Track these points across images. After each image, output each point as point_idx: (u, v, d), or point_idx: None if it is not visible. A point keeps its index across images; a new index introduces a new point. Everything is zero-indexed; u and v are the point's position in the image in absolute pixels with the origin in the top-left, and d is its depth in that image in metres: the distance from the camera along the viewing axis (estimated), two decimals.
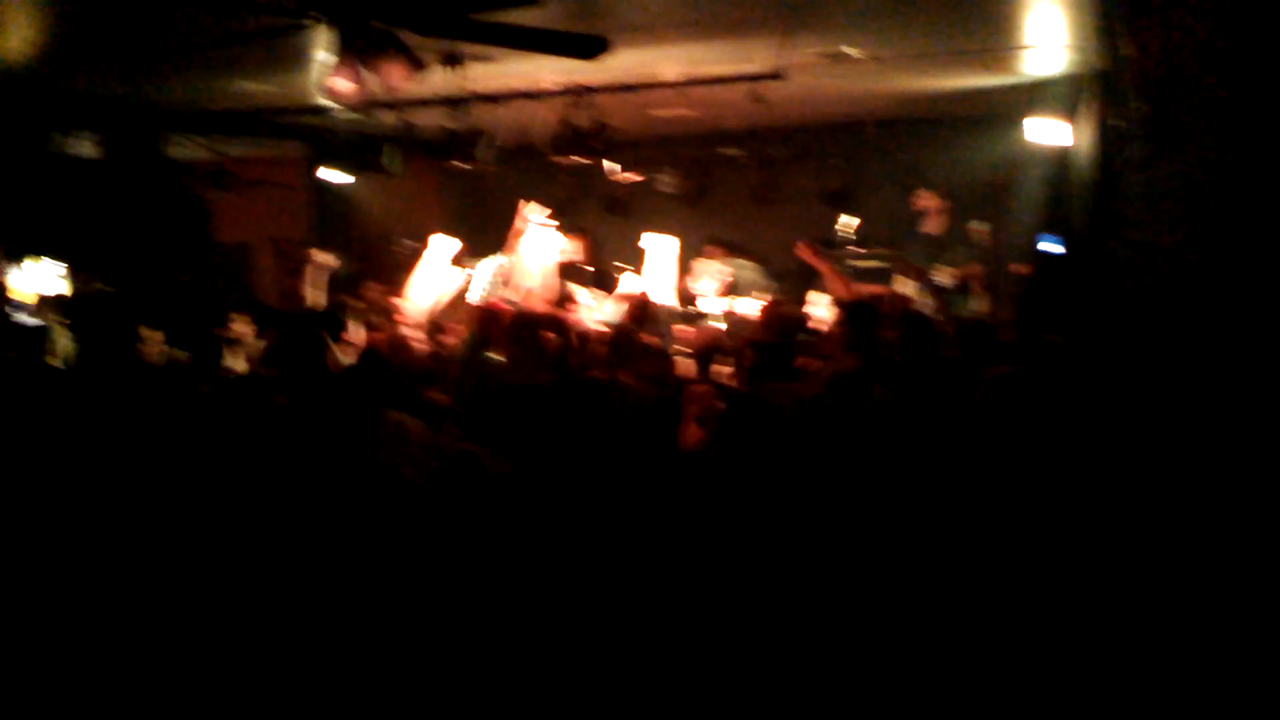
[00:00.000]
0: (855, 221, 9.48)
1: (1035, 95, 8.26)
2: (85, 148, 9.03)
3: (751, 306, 8.23)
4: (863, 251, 9.78)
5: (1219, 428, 4.03)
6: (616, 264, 9.88)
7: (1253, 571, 3.08)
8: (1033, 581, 3.12)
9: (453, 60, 6.95)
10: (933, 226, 9.39)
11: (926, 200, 9.36)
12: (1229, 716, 2.77)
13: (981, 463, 3.66)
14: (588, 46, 5.47)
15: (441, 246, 8.44)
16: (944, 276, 8.84)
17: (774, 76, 7.49)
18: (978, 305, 8.35)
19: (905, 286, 8.86)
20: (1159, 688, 2.82)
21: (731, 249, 10.36)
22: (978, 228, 9.28)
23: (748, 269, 9.77)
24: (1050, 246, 8.60)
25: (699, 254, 10.26)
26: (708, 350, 6.41)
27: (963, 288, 8.66)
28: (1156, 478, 3.59)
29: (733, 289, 9.07)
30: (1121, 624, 2.99)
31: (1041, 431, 3.64)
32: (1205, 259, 5.09)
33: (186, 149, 9.75)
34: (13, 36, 6.51)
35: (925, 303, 8.20)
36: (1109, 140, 7.22)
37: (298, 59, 6.78)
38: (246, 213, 11.02)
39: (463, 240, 11.09)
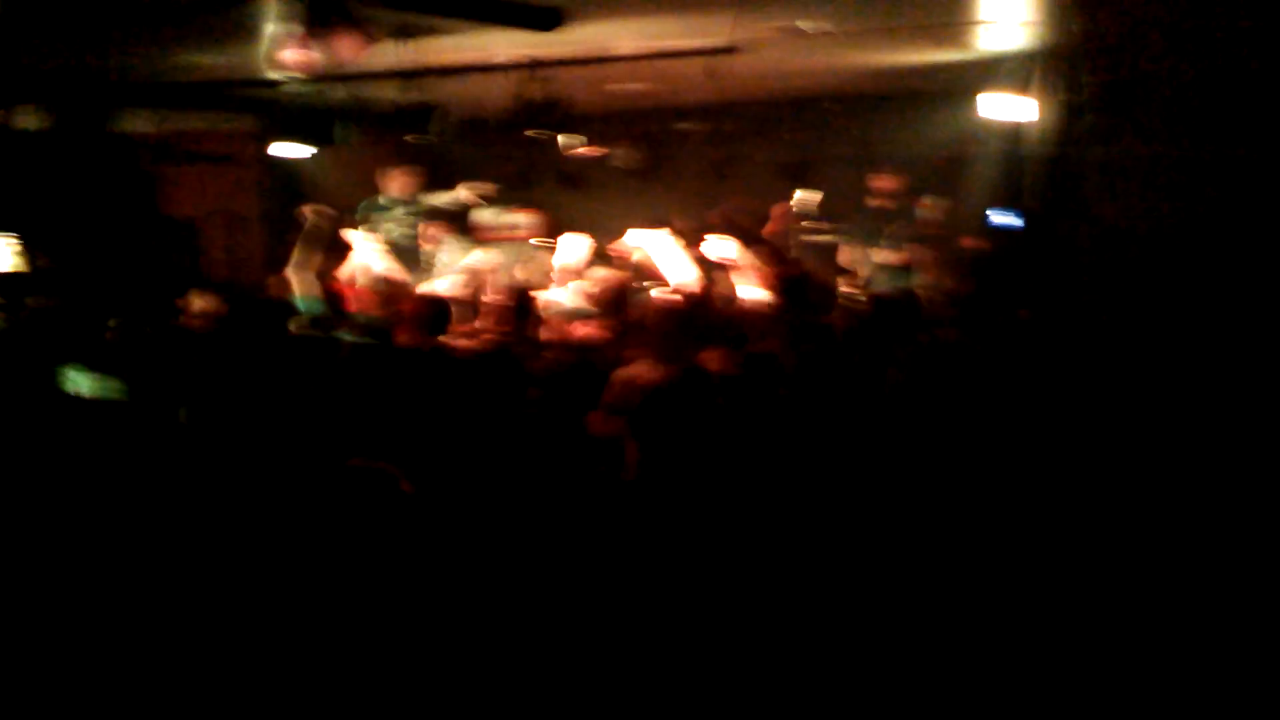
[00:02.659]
0: (816, 196, 9.48)
1: (991, 71, 8.30)
2: (31, 121, 8.85)
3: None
4: (811, 225, 9.79)
5: (1180, 400, 4.08)
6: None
7: (1217, 552, 3.10)
8: (939, 564, 3.10)
9: (405, 33, 6.87)
10: (884, 202, 9.42)
11: (883, 182, 9.40)
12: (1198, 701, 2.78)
13: (898, 436, 3.63)
14: (543, 19, 5.44)
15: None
16: (882, 256, 8.89)
17: (729, 51, 7.48)
18: (921, 280, 8.39)
19: (850, 258, 8.92)
20: (1114, 669, 2.83)
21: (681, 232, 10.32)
22: (928, 203, 9.32)
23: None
24: (1005, 219, 8.66)
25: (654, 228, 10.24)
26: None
27: (906, 265, 8.73)
28: (1114, 449, 3.60)
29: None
30: (1043, 606, 2.98)
31: (967, 401, 3.61)
32: (1159, 230, 5.14)
33: (136, 123, 9.59)
34: None
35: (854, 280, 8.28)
36: (1064, 115, 7.27)
37: (248, 31, 6.65)
38: (197, 187, 10.89)
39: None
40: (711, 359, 4.91)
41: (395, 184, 9.39)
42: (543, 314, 6.75)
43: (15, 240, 8.28)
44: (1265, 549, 3.22)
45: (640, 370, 4.47)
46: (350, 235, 7.94)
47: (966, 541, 3.10)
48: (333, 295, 6.74)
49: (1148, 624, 2.92)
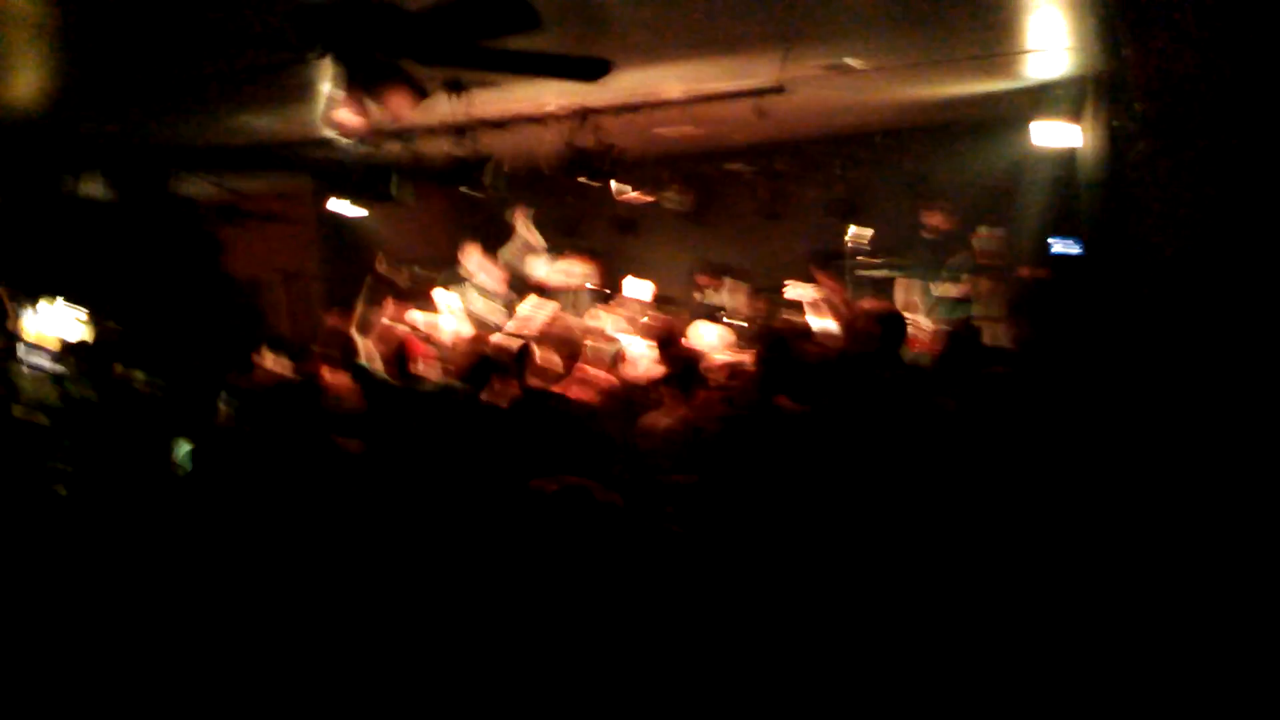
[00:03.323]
0: (869, 232, 9.48)
1: (1040, 99, 8.25)
2: (96, 190, 9.07)
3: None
4: (870, 261, 9.78)
5: (1230, 426, 4.01)
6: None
7: (1259, 579, 3.05)
8: (1008, 588, 3.07)
9: (456, 87, 6.98)
10: (938, 234, 9.38)
11: (934, 217, 9.38)
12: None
13: (962, 465, 3.61)
14: (590, 69, 5.49)
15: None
16: (941, 290, 8.85)
17: (777, 90, 7.51)
18: (980, 311, 8.34)
19: (908, 294, 8.88)
20: (1146, 687, 2.79)
21: (721, 272, 10.39)
22: (984, 233, 9.28)
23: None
24: (1065, 248, 8.58)
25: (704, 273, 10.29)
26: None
27: (966, 297, 8.68)
28: (1166, 477, 3.55)
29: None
30: (1108, 632, 2.94)
31: (1032, 432, 3.58)
32: (1212, 256, 5.07)
33: (196, 186, 9.79)
34: (21, 82, 6.56)
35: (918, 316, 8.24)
36: (1115, 142, 7.20)
37: (303, 93, 6.81)
38: (258, 247, 11.07)
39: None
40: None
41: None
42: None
43: (84, 311, 8.45)
44: None
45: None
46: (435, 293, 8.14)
47: (1018, 568, 3.08)
48: (401, 350, 6.80)
49: (1189, 654, 2.88)
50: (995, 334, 7.98)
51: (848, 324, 6.72)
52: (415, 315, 8.35)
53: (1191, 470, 3.61)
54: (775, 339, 6.09)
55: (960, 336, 6.74)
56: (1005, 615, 3.05)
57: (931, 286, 8.97)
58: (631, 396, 6.05)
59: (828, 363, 5.78)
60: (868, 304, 7.39)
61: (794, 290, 7.84)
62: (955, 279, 8.89)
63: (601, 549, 3.18)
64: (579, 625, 3.06)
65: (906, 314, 8.46)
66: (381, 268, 7.77)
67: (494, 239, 12.13)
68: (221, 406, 5.95)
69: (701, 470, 4.06)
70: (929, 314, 8.55)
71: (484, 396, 5.61)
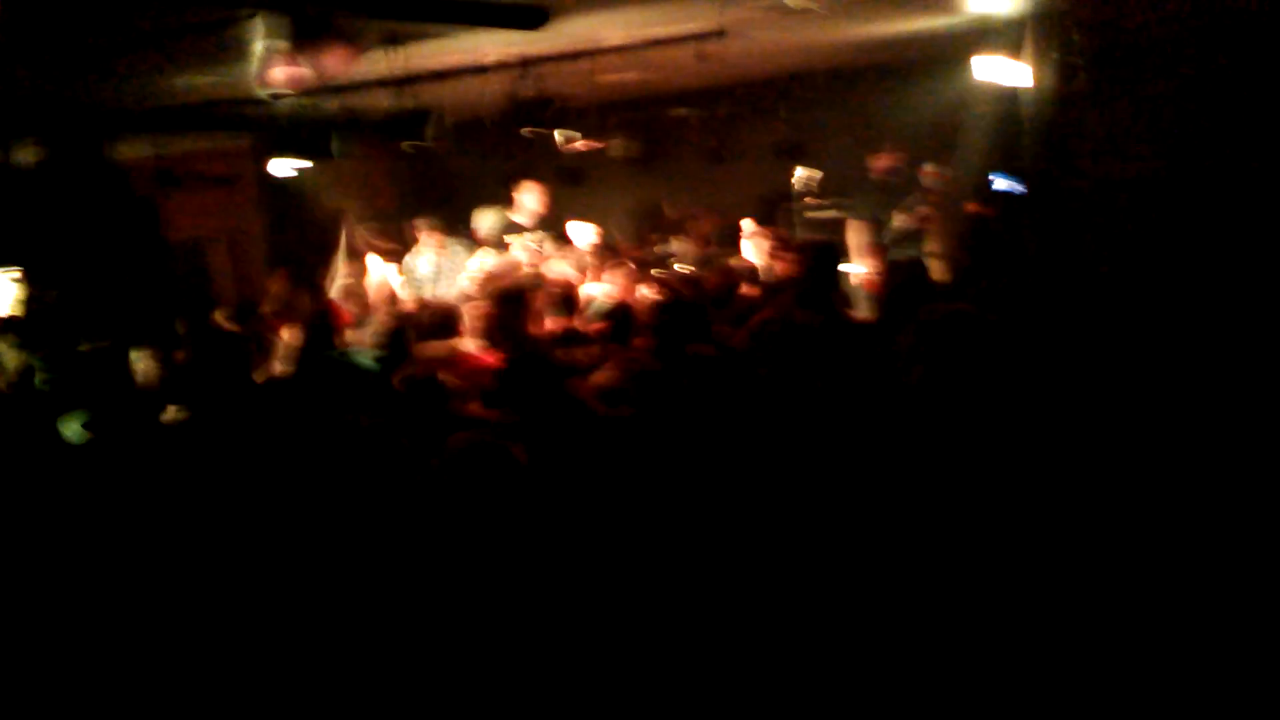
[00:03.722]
0: (817, 174, 9.48)
1: (983, 35, 8.25)
2: (28, 155, 8.87)
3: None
4: (815, 203, 9.78)
5: (1181, 359, 4.06)
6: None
7: (1219, 540, 3.07)
8: (963, 544, 3.06)
9: (393, 40, 6.86)
10: (885, 173, 9.40)
11: (885, 160, 9.39)
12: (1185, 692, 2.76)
13: (913, 409, 3.60)
14: (529, 17, 5.42)
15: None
16: (898, 222, 8.88)
17: (718, 34, 7.45)
18: (931, 248, 8.39)
19: (856, 235, 8.91)
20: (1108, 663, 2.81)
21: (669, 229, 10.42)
22: (930, 170, 9.30)
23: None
24: (1006, 184, 8.63)
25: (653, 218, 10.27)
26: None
27: (915, 232, 8.72)
28: (1114, 411, 3.57)
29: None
30: (1065, 594, 2.95)
31: (979, 371, 3.57)
32: (1154, 184, 5.13)
33: (133, 149, 9.60)
34: None
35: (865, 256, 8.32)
36: (1057, 76, 7.23)
37: (237, 51, 6.66)
38: (197, 209, 10.91)
39: (417, 219, 11.07)
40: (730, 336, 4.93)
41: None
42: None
43: (18, 273, 8.29)
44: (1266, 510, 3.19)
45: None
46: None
47: (980, 518, 3.08)
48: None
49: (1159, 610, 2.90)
50: (942, 270, 8.04)
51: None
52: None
53: (1139, 417, 3.63)
54: (683, 297, 6.08)
55: (905, 270, 6.77)
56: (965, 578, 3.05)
57: (890, 222, 9.01)
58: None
59: (752, 307, 5.78)
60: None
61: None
62: (910, 213, 8.94)
63: (504, 504, 3.18)
64: (479, 584, 3.06)
65: (858, 257, 8.54)
66: (355, 227, 7.70)
67: (437, 193, 12.07)
68: (140, 366, 5.83)
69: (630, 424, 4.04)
70: (879, 251, 8.60)
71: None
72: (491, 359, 5.63)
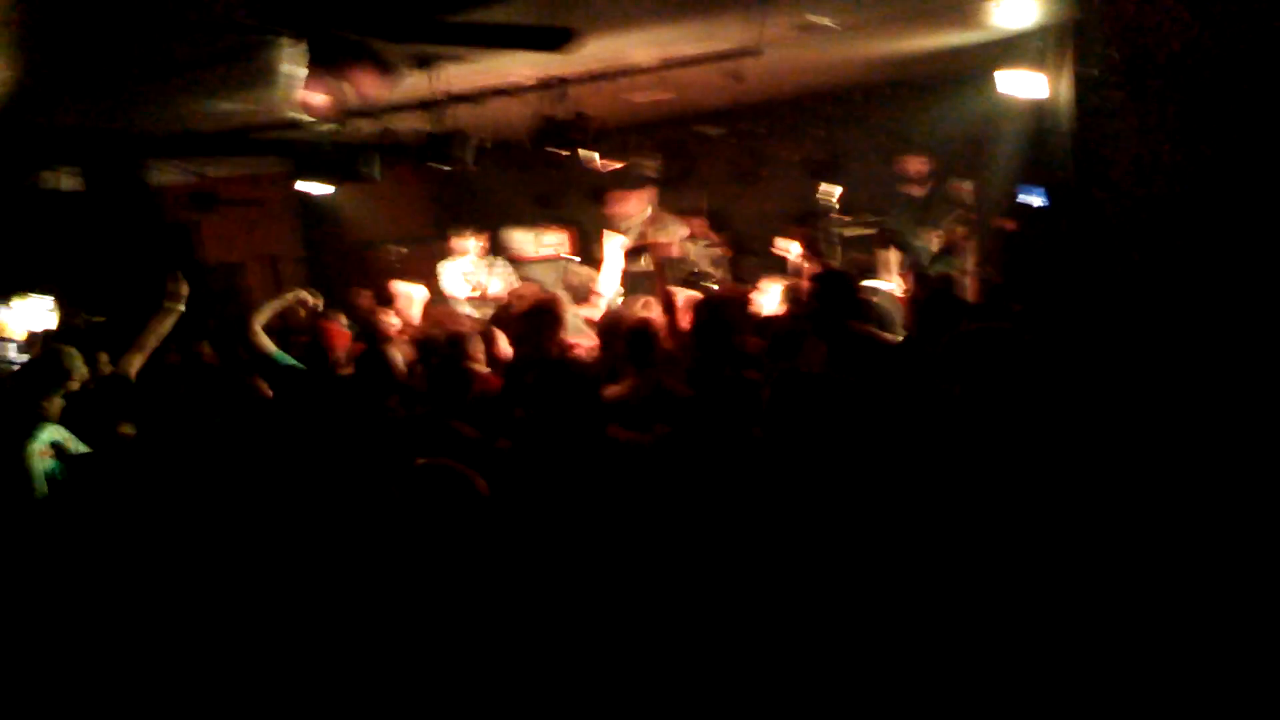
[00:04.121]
0: (837, 189, 9.46)
1: (1011, 49, 8.24)
2: (65, 181, 9.01)
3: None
4: (847, 219, 9.77)
5: (1209, 373, 4.03)
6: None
7: (1249, 551, 3.04)
8: (991, 556, 3.04)
9: (425, 63, 6.93)
10: (916, 189, 9.38)
11: (916, 166, 9.36)
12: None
13: (940, 427, 3.58)
14: (554, 38, 5.45)
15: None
16: (929, 240, 8.85)
17: (749, 53, 7.47)
18: (963, 264, 8.36)
19: (888, 255, 8.89)
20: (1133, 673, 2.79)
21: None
22: (960, 185, 9.28)
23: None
24: (1031, 198, 8.59)
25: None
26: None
27: (948, 249, 8.68)
28: (1148, 432, 3.54)
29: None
30: (1099, 610, 2.92)
31: (1011, 388, 3.54)
32: (1182, 199, 5.09)
33: (169, 173, 9.74)
34: None
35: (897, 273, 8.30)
36: (1086, 89, 7.21)
37: (271, 75, 6.75)
38: (232, 232, 11.04)
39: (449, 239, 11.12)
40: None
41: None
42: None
43: (53, 300, 8.40)
44: None
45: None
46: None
47: (1022, 530, 3.06)
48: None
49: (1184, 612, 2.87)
50: (974, 287, 8.02)
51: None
52: None
53: (1168, 423, 3.61)
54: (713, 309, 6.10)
55: (936, 287, 6.75)
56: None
57: (917, 238, 8.99)
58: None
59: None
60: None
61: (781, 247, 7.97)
62: (941, 230, 8.91)
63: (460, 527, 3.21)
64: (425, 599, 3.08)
65: (888, 274, 8.52)
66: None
67: (470, 214, 12.14)
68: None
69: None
70: (912, 268, 8.57)
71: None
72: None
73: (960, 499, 3.18)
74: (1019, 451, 3.30)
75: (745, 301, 7.02)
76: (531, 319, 6.34)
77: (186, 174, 10.03)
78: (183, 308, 6.40)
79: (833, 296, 5.77)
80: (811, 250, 7.94)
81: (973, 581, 2.99)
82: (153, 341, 6.19)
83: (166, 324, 6.31)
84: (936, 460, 3.37)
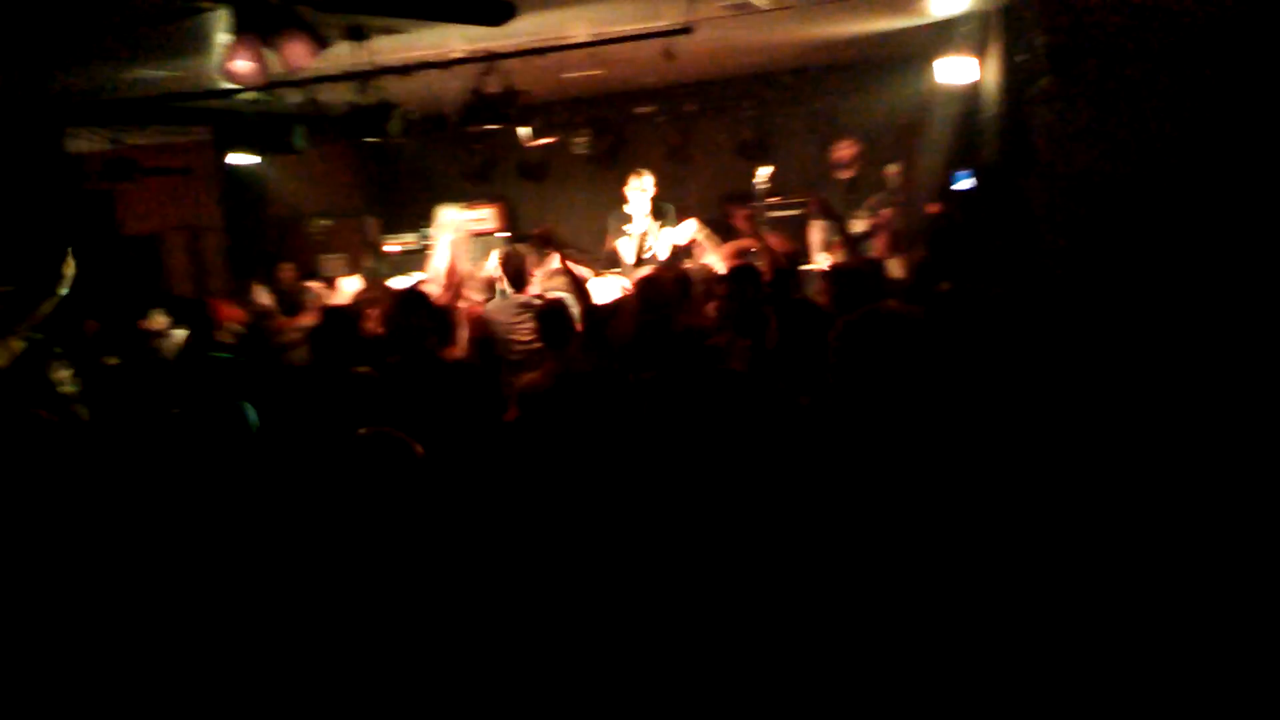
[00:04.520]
0: (767, 170, 9.49)
1: (943, 34, 8.31)
2: None
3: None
4: (777, 201, 9.80)
5: (1137, 353, 4.10)
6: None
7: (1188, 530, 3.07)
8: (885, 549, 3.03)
9: (357, 34, 6.81)
10: (848, 172, 9.43)
11: (843, 150, 9.40)
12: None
13: (841, 413, 3.55)
14: (495, 12, 5.40)
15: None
16: (859, 223, 8.91)
17: (683, 31, 7.45)
18: (877, 249, 8.41)
19: (819, 234, 8.94)
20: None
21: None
22: (892, 170, 9.35)
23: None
24: (963, 183, 8.70)
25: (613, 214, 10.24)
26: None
27: (873, 231, 8.74)
28: (1066, 415, 3.56)
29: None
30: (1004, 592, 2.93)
31: (896, 372, 3.50)
32: (1111, 185, 5.18)
33: (87, 141, 9.48)
34: None
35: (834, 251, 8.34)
36: (1015, 75, 7.30)
37: (198, 42, 6.60)
38: (153, 202, 10.80)
39: (380, 214, 11.00)
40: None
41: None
42: None
43: None
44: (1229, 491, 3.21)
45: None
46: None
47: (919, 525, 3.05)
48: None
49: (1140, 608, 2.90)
50: (902, 269, 8.08)
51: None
52: None
53: (1103, 400, 3.65)
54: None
55: (856, 270, 6.78)
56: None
57: (851, 223, 9.03)
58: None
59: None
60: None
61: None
62: (872, 215, 8.96)
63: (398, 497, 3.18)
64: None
65: (819, 255, 8.56)
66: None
67: (399, 190, 12.01)
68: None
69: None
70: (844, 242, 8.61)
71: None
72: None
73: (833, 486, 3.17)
74: (888, 441, 3.27)
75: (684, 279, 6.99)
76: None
77: (103, 142, 9.77)
78: (65, 291, 6.22)
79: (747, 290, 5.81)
80: (752, 227, 7.94)
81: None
82: (25, 327, 6.00)
83: (46, 307, 6.12)
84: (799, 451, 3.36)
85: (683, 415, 3.47)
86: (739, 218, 7.86)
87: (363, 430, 3.35)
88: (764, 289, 5.96)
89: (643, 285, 6.30)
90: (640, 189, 8.42)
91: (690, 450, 3.33)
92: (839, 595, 2.90)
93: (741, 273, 6.14)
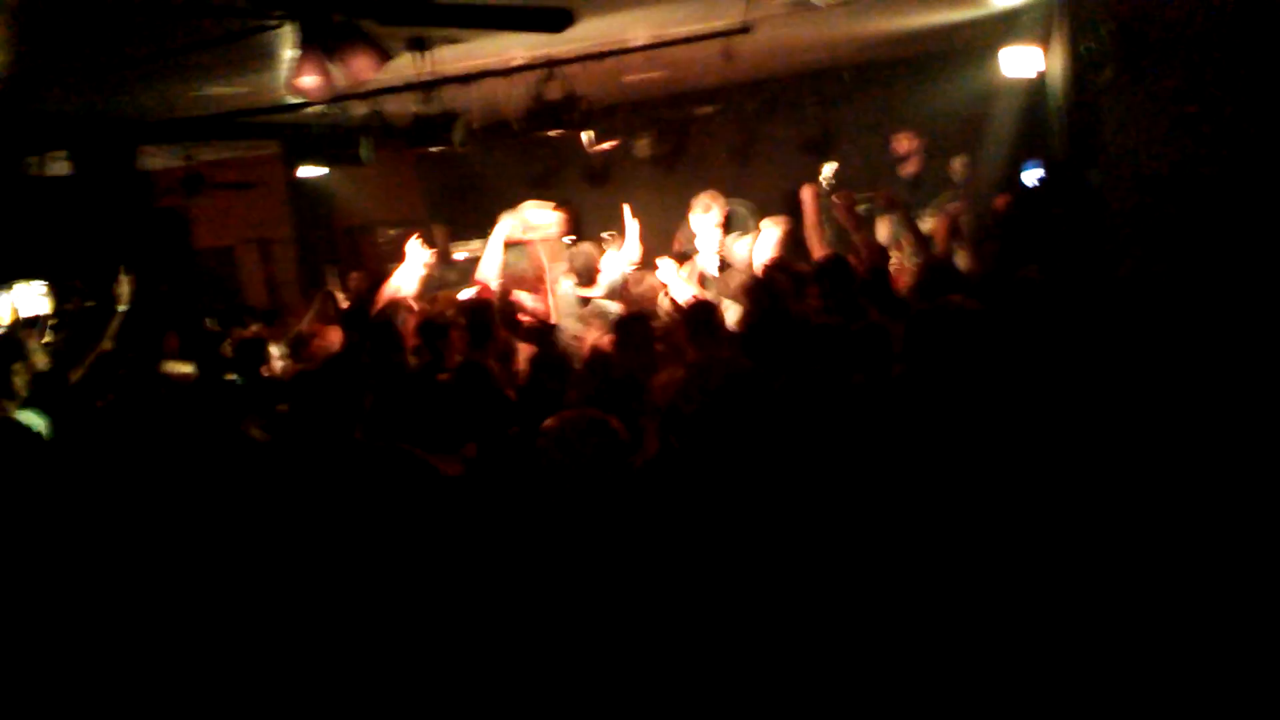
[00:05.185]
0: (833, 165, 9.43)
1: (1006, 25, 8.22)
2: (57, 166, 8.96)
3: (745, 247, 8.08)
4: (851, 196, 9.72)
5: (1205, 353, 4.01)
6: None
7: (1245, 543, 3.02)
8: (958, 547, 2.99)
9: (419, 45, 6.89)
10: (913, 167, 9.36)
11: (904, 143, 9.32)
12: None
13: (915, 407, 3.51)
14: (553, 20, 5.43)
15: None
16: (926, 221, 8.82)
17: (742, 30, 7.44)
18: (939, 242, 8.31)
19: (885, 229, 8.86)
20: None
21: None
22: (958, 164, 9.26)
23: (741, 207, 9.65)
24: (1033, 174, 8.59)
25: (681, 216, 10.21)
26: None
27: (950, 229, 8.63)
28: (1138, 418, 3.51)
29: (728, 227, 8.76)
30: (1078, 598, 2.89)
31: (965, 366, 3.46)
32: (1178, 175, 5.09)
33: (160, 158, 9.68)
34: None
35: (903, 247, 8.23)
36: (1081, 65, 7.20)
37: (264, 58, 6.72)
38: (225, 216, 10.99)
39: (445, 222, 11.08)
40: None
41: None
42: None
43: (45, 286, 8.35)
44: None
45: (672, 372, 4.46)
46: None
47: (984, 518, 3.02)
48: None
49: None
50: (972, 264, 7.99)
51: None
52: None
53: (1155, 414, 3.58)
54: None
55: (934, 266, 6.72)
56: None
57: (921, 221, 8.94)
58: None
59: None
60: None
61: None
62: (939, 212, 8.87)
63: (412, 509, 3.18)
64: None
65: (892, 251, 8.48)
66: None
67: (463, 197, 12.10)
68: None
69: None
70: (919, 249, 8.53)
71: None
72: None
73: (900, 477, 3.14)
74: (961, 433, 3.24)
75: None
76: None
77: (176, 158, 9.97)
78: (125, 307, 6.38)
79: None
80: (853, 219, 7.84)
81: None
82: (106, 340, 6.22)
83: (114, 324, 6.33)
84: (871, 443, 3.33)
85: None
86: (840, 208, 7.74)
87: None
88: (860, 282, 5.91)
89: (755, 280, 6.27)
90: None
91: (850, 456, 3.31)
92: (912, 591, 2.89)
93: (837, 265, 6.07)
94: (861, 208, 9.58)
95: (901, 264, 7.94)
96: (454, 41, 6.90)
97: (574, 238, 11.22)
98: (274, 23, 5.36)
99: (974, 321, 3.53)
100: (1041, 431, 3.24)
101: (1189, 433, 3.42)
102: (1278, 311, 3.89)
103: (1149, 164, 5.66)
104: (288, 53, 5.51)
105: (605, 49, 7.69)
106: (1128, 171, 6.15)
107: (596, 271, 7.92)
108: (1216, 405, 3.66)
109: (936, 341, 3.50)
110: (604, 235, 10.24)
